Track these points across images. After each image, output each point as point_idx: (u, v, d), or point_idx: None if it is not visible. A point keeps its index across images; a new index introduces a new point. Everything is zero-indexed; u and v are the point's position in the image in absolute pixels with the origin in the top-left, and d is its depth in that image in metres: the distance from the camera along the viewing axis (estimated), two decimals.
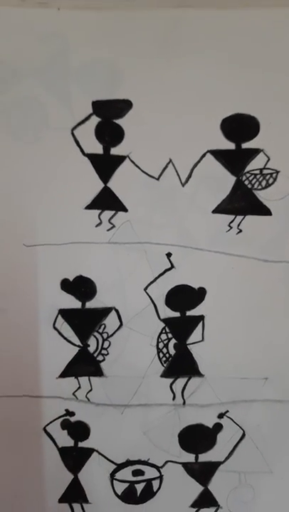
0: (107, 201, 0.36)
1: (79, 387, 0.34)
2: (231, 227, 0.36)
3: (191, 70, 0.37)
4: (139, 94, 0.37)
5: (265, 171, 0.37)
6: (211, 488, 0.34)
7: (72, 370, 0.35)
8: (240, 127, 0.37)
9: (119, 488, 0.34)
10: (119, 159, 0.37)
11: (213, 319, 0.35)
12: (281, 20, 0.38)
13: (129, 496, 0.33)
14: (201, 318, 0.35)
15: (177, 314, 0.35)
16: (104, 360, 0.35)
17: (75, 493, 0.34)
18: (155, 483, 0.34)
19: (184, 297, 0.36)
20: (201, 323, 0.35)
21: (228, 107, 0.37)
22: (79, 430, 0.34)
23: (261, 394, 0.34)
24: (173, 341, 0.35)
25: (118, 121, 0.37)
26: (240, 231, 0.36)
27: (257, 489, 0.33)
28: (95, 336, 0.35)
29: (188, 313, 0.35)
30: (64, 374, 0.34)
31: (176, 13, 0.38)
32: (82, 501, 0.34)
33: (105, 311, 0.35)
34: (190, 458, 0.34)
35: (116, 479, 0.34)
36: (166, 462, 0.34)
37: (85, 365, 0.35)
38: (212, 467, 0.34)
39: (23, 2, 0.37)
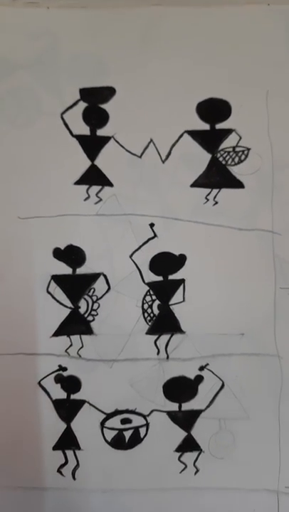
0: (94, 177, 0.38)
1: (71, 345, 0.36)
2: (208, 200, 0.38)
3: (169, 60, 0.40)
4: (123, 82, 0.39)
5: (237, 149, 0.39)
6: (194, 433, 0.35)
7: (64, 329, 0.36)
8: (214, 110, 0.39)
9: (109, 435, 0.35)
10: (105, 140, 0.39)
11: (193, 282, 0.37)
12: (248, 16, 0.40)
13: (118, 443, 0.35)
14: (182, 281, 0.37)
15: (160, 278, 0.37)
16: (94, 320, 0.36)
17: (68, 441, 0.35)
18: (142, 430, 0.35)
19: (166, 263, 0.37)
20: (182, 286, 0.37)
21: (202, 92, 0.39)
22: (71, 383, 0.35)
23: (238, 348, 0.35)
24: (157, 302, 0.37)
25: (103, 106, 0.39)
26: (216, 203, 0.38)
27: (236, 434, 0.35)
28: (85, 299, 0.37)
29: (170, 277, 0.37)
30: (57, 333, 0.36)
31: (155, 10, 0.40)
32: (75, 448, 0.35)
33: (94, 277, 0.37)
34: (174, 407, 0.35)
35: (106, 427, 0.35)
36: (152, 411, 0.35)
37: (76, 325, 0.36)
38: (194, 415, 0.35)
39: (14, 2, 0.40)
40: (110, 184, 0.38)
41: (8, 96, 0.38)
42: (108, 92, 0.39)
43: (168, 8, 0.40)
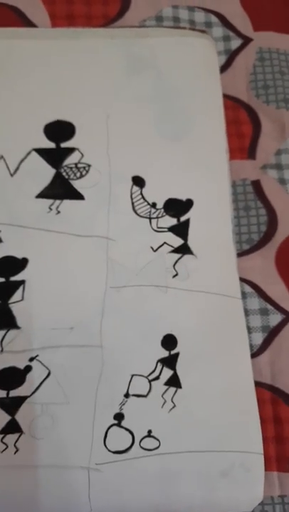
0: None
1: None
2: (51, 209, 0.41)
3: (20, 87, 0.43)
4: None
5: (79, 165, 0.43)
6: (17, 417, 0.36)
7: None
8: (60, 131, 0.42)
9: None
10: None
11: (32, 283, 0.38)
12: (92, 48, 0.45)
13: None
14: (22, 282, 0.39)
15: (2, 280, 0.39)
16: None
17: None
18: None
19: (9, 266, 0.39)
20: (22, 287, 0.39)
21: (50, 115, 0.42)
22: None
23: (67, 340, 0.37)
24: None
25: None
26: (59, 212, 0.41)
27: (55, 417, 0.36)
28: None
29: (12, 278, 0.39)
30: None
31: (6, 43, 0.44)
32: None
33: None
34: (2, 394, 0.36)
35: None
36: None
37: None
38: (20, 400, 0.36)
39: None
40: None
41: None
42: None
43: (18, 40, 0.44)
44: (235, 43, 0.48)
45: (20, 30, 0.46)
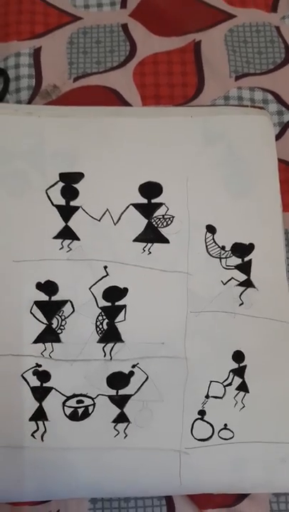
0: (66, 234, 0.48)
1: (45, 349, 0.44)
2: (144, 250, 0.49)
3: (120, 155, 0.50)
4: (89, 169, 0.50)
5: (165, 216, 0.50)
6: (125, 410, 0.44)
7: (41, 338, 0.45)
8: (151, 190, 0.50)
9: (68, 411, 0.43)
10: (75, 208, 0.49)
11: (131, 307, 0.46)
12: (176, 124, 0.52)
13: (73, 416, 0.43)
14: (124, 306, 0.47)
15: (109, 304, 0.47)
16: (62, 332, 0.45)
17: (39, 415, 0.43)
18: (90, 408, 0.43)
19: (114, 294, 0.47)
20: (124, 310, 0.47)
21: (143, 177, 0.50)
22: (44, 376, 0.44)
23: (159, 352, 0.45)
24: (106, 321, 0.46)
25: (75, 185, 0.49)
26: (150, 253, 0.48)
27: (153, 411, 0.44)
28: (56, 318, 0.46)
29: (117, 303, 0.47)
30: (36, 341, 0.45)
31: (111, 119, 0.53)
32: (44, 419, 0.43)
33: (63, 302, 0.46)
34: (113, 392, 0.44)
35: (66, 406, 0.43)
36: (98, 395, 0.44)
37: (49, 336, 0.45)
38: (126, 398, 0.44)
39: (16, 111, 0.53)
40: (78, 238, 0.48)
41: (10, 176, 0.50)
42: (78, 176, 0.50)
43: (120, 118, 0.52)
44: (288, 116, 0.56)
45: (119, 109, 0.55)
